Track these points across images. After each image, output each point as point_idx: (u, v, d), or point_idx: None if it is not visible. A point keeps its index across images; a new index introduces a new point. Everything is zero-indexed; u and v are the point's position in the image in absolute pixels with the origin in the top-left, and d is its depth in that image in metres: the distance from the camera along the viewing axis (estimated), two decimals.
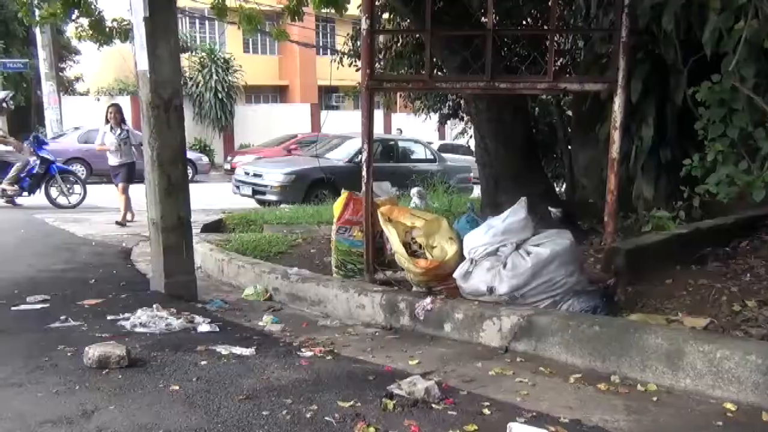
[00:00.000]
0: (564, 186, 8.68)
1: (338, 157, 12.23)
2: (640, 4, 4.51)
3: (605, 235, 4.33)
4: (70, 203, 10.90)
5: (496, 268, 3.67)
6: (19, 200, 10.75)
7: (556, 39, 4.98)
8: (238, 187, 12.18)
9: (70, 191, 11.03)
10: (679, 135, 5.29)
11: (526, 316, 3.36)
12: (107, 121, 9.30)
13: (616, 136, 4.08)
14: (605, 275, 4.11)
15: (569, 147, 8.15)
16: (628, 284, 4.05)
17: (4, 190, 10.51)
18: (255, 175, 11.86)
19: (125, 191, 9.17)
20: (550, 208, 6.20)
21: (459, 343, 3.56)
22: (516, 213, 3.84)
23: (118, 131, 9.20)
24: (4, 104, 10.71)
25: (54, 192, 10.87)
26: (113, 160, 9.33)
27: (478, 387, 2.87)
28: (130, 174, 9.30)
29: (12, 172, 10.50)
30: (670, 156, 5.39)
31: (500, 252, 3.73)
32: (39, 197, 10.77)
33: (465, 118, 10.66)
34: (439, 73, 6.72)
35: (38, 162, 10.63)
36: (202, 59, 23.85)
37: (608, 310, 3.54)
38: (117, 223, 8.81)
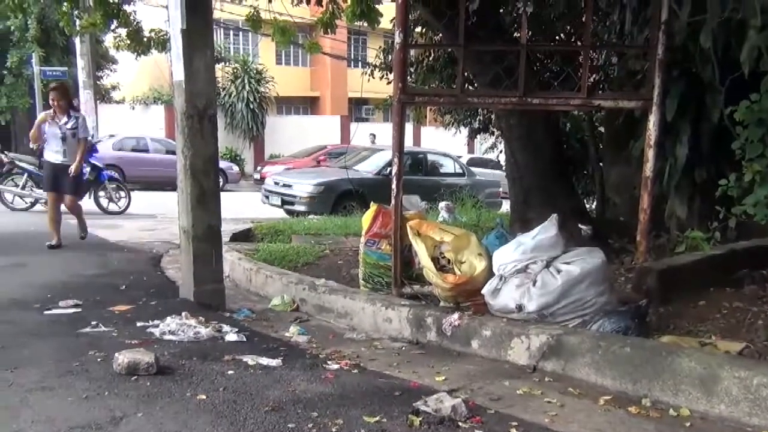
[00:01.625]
0: (594, 203, 8.58)
1: (367, 169, 12.27)
2: (677, 21, 4.45)
3: (637, 255, 4.26)
4: (119, 208, 11.44)
5: (526, 286, 3.63)
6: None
7: (589, 55, 4.94)
8: (267, 197, 12.28)
9: (117, 197, 11.45)
10: (714, 154, 5.19)
11: (556, 335, 3.31)
12: (50, 107, 7.16)
13: (650, 154, 4.03)
14: (636, 295, 4.04)
15: (600, 163, 8.08)
16: (659, 305, 3.98)
17: None
18: (284, 185, 11.95)
19: (75, 205, 7.45)
20: (580, 226, 6.13)
21: (486, 360, 3.52)
22: (546, 230, 3.81)
23: (64, 120, 7.00)
24: None
25: (103, 198, 11.31)
26: (54, 157, 7.09)
27: (506, 406, 2.82)
28: (79, 183, 7.52)
29: None
30: (705, 175, 5.29)
31: (530, 269, 3.70)
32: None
33: (495, 133, 10.63)
34: (471, 88, 6.70)
35: (89, 169, 10.59)
36: (235, 70, 24.21)
37: (639, 331, 3.47)
38: (81, 238, 7.67)
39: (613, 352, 3.07)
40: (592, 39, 5.89)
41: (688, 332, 3.62)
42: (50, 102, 7.09)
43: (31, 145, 8.28)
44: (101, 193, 11.22)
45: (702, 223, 5.21)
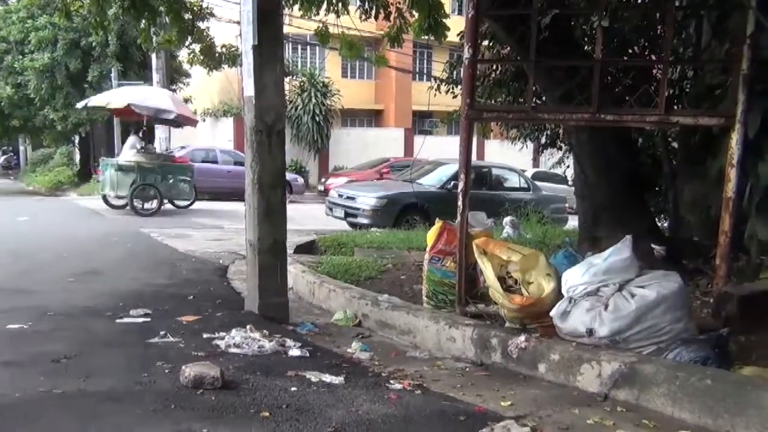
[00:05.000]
0: (666, 222, 8.25)
1: (430, 182, 12.21)
2: (763, 34, 4.23)
3: (716, 279, 4.05)
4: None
5: (597, 309, 3.49)
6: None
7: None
8: (330, 209, 12.37)
9: None
10: None
11: (629, 362, 3.16)
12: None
13: (732, 174, 3.84)
14: (715, 322, 3.83)
15: (674, 181, 7.77)
16: (741, 334, 3.76)
17: None
18: (348, 197, 12.01)
19: None
20: (652, 246, 5.90)
21: (554, 385, 3.39)
22: (619, 252, 3.66)
23: None
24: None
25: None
26: None
27: None
28: None
29: None
30: None
31: (601, 292, 3.56)
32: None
33: (563, 148, 10.39)
34: (538, 102, 6.56)
35: None
36: (302, 83, 24.57)
37: (720, 362, 3.27)
38: None
39: (693, 384, 2.90)
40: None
41: None
42: None
43: None
44: None
45: None
